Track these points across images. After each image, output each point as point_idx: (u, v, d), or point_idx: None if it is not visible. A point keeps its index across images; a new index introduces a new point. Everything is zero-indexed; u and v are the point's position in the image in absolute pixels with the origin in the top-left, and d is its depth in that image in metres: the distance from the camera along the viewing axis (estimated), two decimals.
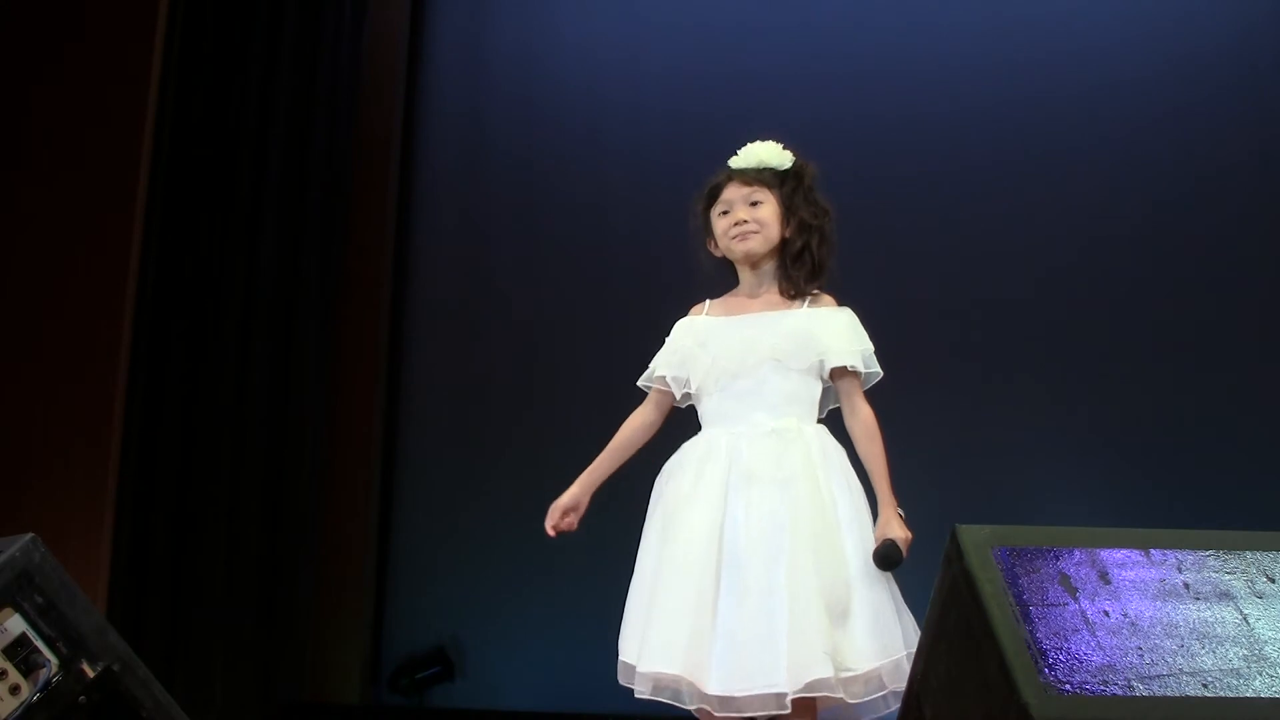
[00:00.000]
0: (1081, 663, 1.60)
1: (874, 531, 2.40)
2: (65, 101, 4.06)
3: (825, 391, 2.56)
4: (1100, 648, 1.62)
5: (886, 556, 2.34)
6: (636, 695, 2.28)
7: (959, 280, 4.93)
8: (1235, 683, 1.60)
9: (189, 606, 4.13)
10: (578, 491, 2.58)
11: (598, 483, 2.60)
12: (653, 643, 2.27)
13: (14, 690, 1.85)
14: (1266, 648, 1.65)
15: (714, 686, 2.22)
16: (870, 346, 2.53)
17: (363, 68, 5.10)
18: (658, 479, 2.55)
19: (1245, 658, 1.63)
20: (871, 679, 2.26)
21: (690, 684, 2.23)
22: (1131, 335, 4.82)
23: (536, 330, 5.03)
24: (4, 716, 1.82)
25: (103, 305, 3.98)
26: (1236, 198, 4.90)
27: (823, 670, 2.19)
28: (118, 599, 3.90)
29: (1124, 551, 1.79)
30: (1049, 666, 1.59)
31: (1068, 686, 1.57)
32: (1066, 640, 1.63)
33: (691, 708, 2.27)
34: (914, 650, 2.21)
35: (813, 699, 2.23)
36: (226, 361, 4.37)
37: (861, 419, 2.50)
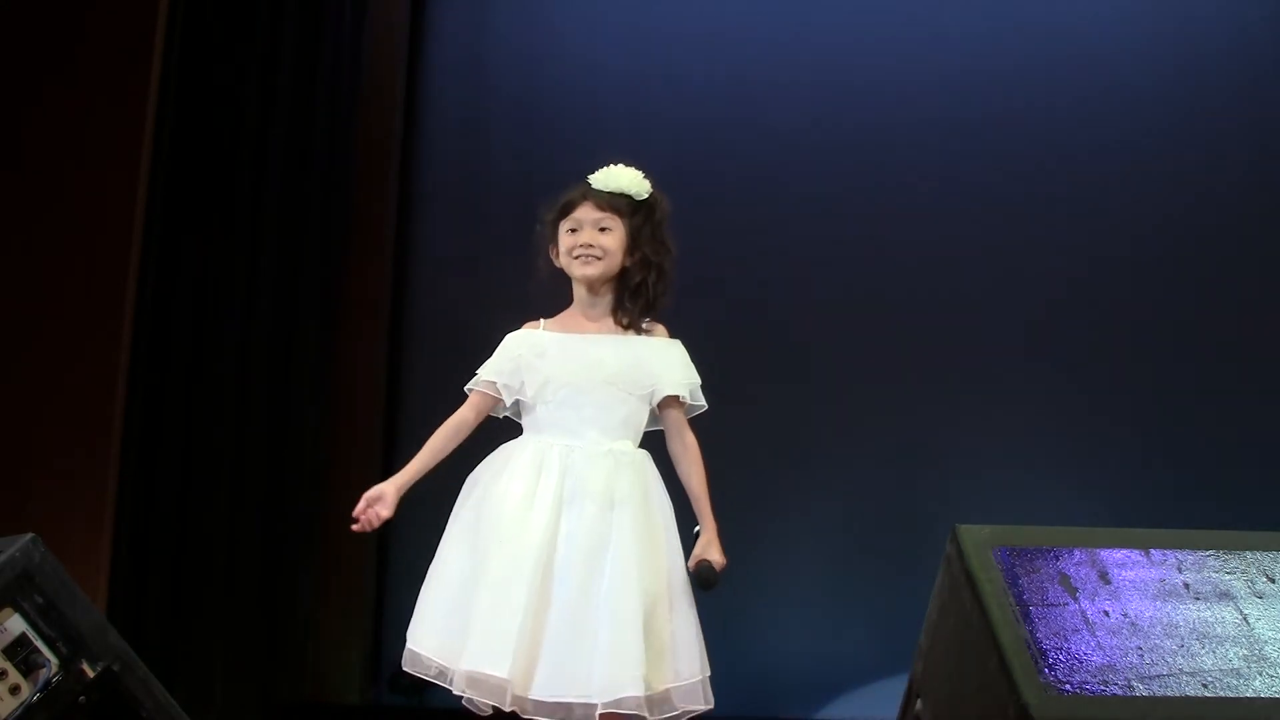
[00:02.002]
0: (1081, 663, 1.60)
1: (691, 552, 2.52)
2: (66, 102, 4.06)
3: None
4: (1100, 648, 1.62)
5: (704, 578, 2.46)
6: (455, 692, 2.38)
7: (959, 280, 4.93)
8: (1235, 683, 1.60)
9: (189, 606, 4.13)
10: (389, 488, 2.66)
11: (410, 482, 2.68)
12: (478, 645, 2.35)
13: (14, 690, 1.85)
14: (1266, 648, 1.65)
15: (535, 691, 2.33)
16: (699, 380, 2.65)
17: (363, 68, 5.09)
18: (474, 475, 2.62)
19: (1245, 658, 1.64)
20: (668, 699, 2.38)
21: (513, 687, 2.32)
22: (1132, 336, 4.82)
23: None
24: (4, 716, 1.82)
25: (103, 304, 3.97)
26: (1236, 200, 4.89)
27: (635, 689, 2.31)
28: (118, 599, 3.90)
29: (1124, 551, 1.79)
30: (1049, 666, 1.59)
31: (1068, 686, 1.57)
32: (1066, 640, 1.63)
33: (507, 709, 2.36)
34: (709, 675, 2.42)
35: (617, 715, 2.35)
36: (227, 361, 4.36)
37: (689, 446, 2.63)
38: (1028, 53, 5.11)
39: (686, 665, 2.42)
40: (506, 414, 2.70)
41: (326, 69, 4.80)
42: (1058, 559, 1.76)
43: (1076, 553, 1.78)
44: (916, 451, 4.75)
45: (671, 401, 2.62)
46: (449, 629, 2.43)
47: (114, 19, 4.11)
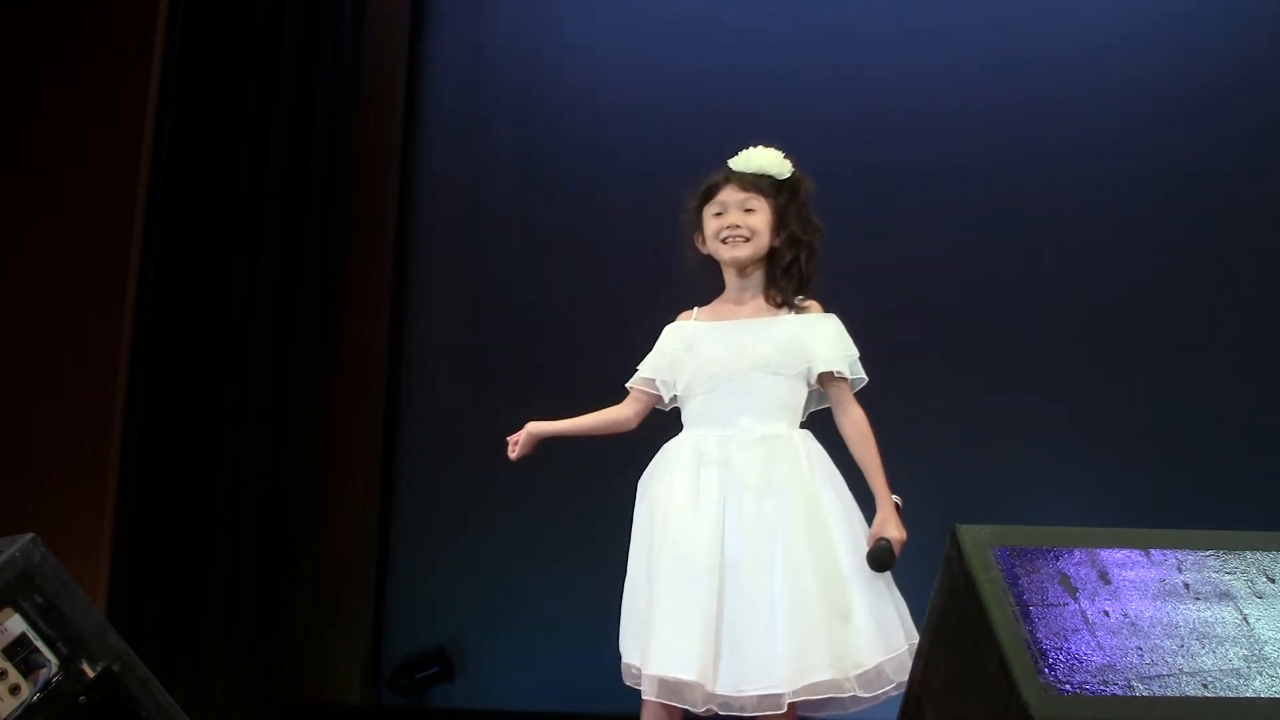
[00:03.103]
0: (1081, 663, 1.60)
1: (869, 529, 2.48)
2: (66, 102, 4.06)
3: (808, 396, 2.62)
4: (1100, 648, 1.62)
5: (878, 558, 2.42)
6: (644, 697, 2.35)
7: (959, 280, 4.93)
8: (1235, 683, 1.60)
9: (189, 606, 4.13)
10: (532, 426, 2.65)
11: (551, 434, 2.66)
12: (661, 647, 2.33)
13: (14, 690, 1.85)
14: (1266, 648, 1.65)
15: (721, 688, 2.29)
16: (856, 352, 2.61)
17: (363, 68, 5.10)
18: (644, 478, 2.60)
19: (1245, 658, 1.63)
20: (879, 673, 2.33)
21: (700, 687, 2.29)
22: (1133, 335, 4.82)
23: (537, 330, 5.03)
24: (4, 716, 1.82)
25: (103, 305, 3.97)
26: (1237, 199, 4.90)
27: (824, 673, 2.27)
28: (118, 599, 3.90)
29: (1124, 551, 1.79)
30: (1049, 666, 1.59)
31: (1068, 686, 1.57)
32: (1066, 640, 1.63)
33: (699, 710, 2.33)
34: (915, 643, 2.28)
35: (794, 704, 2.31)
36: (227, 361, 4.37)
37: (854, 420, 2.58)
38: (1027, 53, 5.11)
39: (892, 636, 2.36)
40: (672, 407, 2.67)
41: (326, 69, 4.80)
42: (1058, 559, 1.76)
43: (1076, 553, 1.77)
44: (916, 451, 4.74)
45: (830, 378, 2.57)
46: (640, 635, 2.42)
47: (114, 19, 4.11)
